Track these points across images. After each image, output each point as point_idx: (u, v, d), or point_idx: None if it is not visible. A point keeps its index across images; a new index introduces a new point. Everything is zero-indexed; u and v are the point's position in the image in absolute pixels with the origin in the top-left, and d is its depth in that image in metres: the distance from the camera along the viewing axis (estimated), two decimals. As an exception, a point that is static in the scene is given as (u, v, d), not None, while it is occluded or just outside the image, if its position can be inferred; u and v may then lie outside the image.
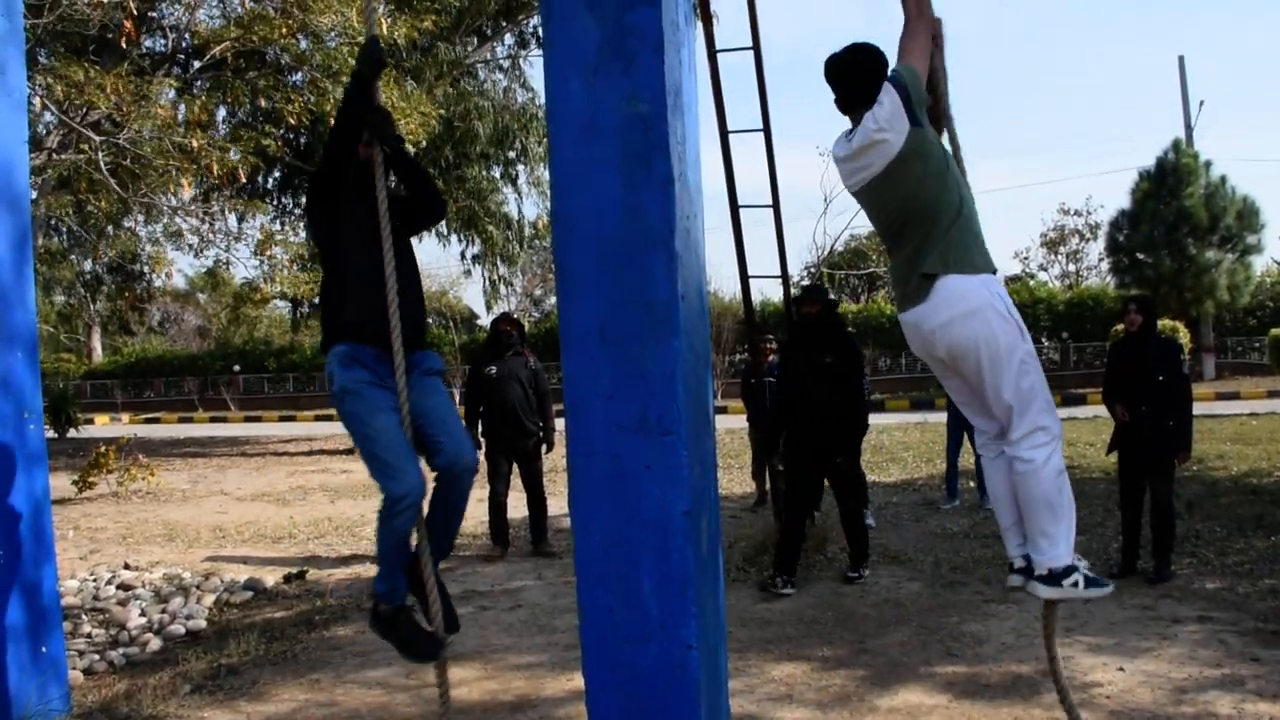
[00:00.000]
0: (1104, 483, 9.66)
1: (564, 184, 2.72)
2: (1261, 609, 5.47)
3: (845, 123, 3.31)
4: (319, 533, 9.31)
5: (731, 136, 6.81)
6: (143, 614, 6.20)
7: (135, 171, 12.07)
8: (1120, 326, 8.62)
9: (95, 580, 7.16)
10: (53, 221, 17.89)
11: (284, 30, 11.56)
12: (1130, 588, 6.03)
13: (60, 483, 11.54)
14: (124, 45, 11.57)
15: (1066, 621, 5.41)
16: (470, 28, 15.97)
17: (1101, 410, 6.92)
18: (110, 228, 17.82)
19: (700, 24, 7.03)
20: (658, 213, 2.63)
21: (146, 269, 20.32)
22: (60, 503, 11.11)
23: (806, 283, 19.70)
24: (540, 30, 2.77)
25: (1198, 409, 6.99)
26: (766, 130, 6.75)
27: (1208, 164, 23.72)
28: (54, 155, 12.14)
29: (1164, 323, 18.87)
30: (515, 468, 7.87)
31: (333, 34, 12.15)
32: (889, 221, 3.28)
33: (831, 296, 6.72)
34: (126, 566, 7.74)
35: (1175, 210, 22.93)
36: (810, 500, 6.83)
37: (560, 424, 4.53)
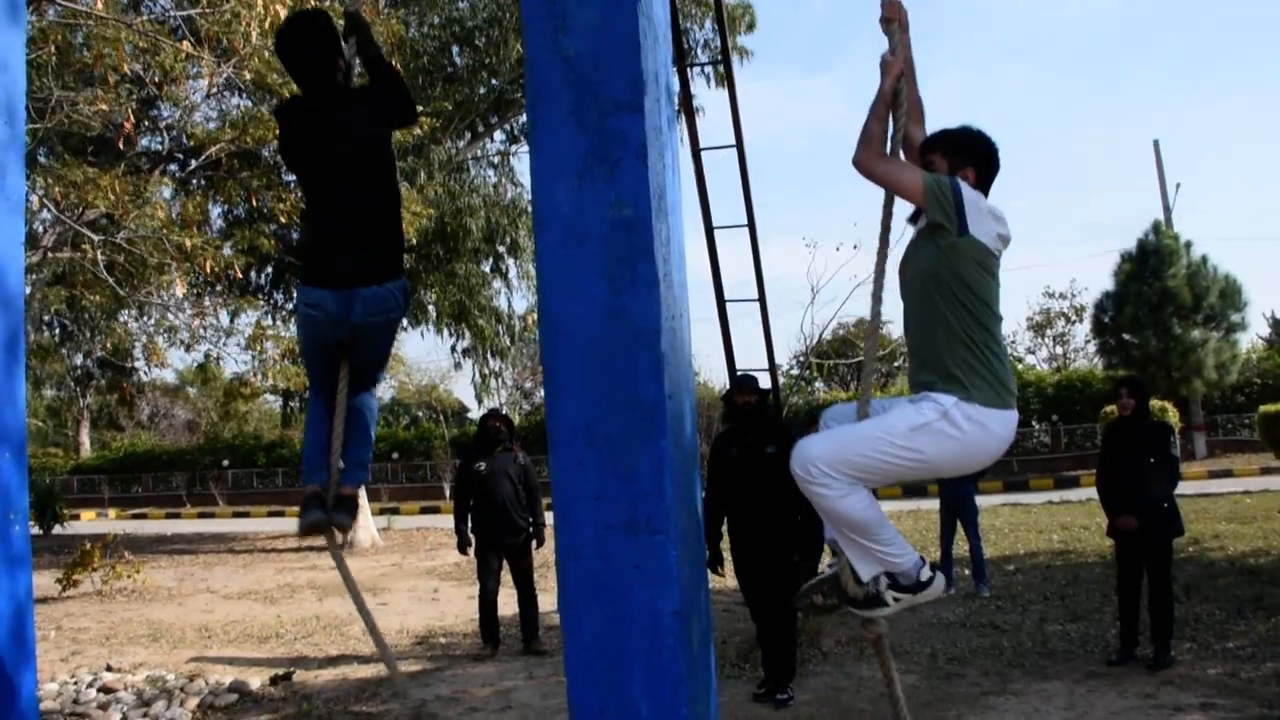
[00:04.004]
0: (1100, 567, 9.58)
1: (550, 286, 2.76)
2: (1265, 694, 5.39)
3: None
4: (306, 632, 9.13)
5: (717, 231, 6.95)
6: (124, 718, 6.05)
7: (130, 269, 12.17)
8: (1112, 408, 8.68)
9: (76, 683, 6.99)
10: (45, 317, 17.97)
11: (277, 131, 11.78)
12: (1131, 675, 5.95)
13: (44, 580, 11.34)
14: (122, 146, 11.79)
15: (1066, 713, 5.33)
16: (462, 125, 16.32)
17: (1095, 493, 6.90)
18: (104, 321, 17.89)
19: (684, 120, 7.22)
20: (643, 314, 2.67)
21: (140, 363, 20.30)
22: (43, 601, 10.91)
23: (797, 371, 19.68)
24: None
25: (1191, 488, 7.01)
26: (751, 225, 6.89)
27: (1188, 244, 24.11)
28: (49, 254, 12.26)
29: (1153, 403, 18.90)
30: (505, 564, 7.78)
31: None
32: None
33: (765, 386, 6.37)
34: (109, 668, 7.57)
35: (1159, 291, 23.22)
36: (783, 592, 5.83)
37: (550, 518, 4.53)
